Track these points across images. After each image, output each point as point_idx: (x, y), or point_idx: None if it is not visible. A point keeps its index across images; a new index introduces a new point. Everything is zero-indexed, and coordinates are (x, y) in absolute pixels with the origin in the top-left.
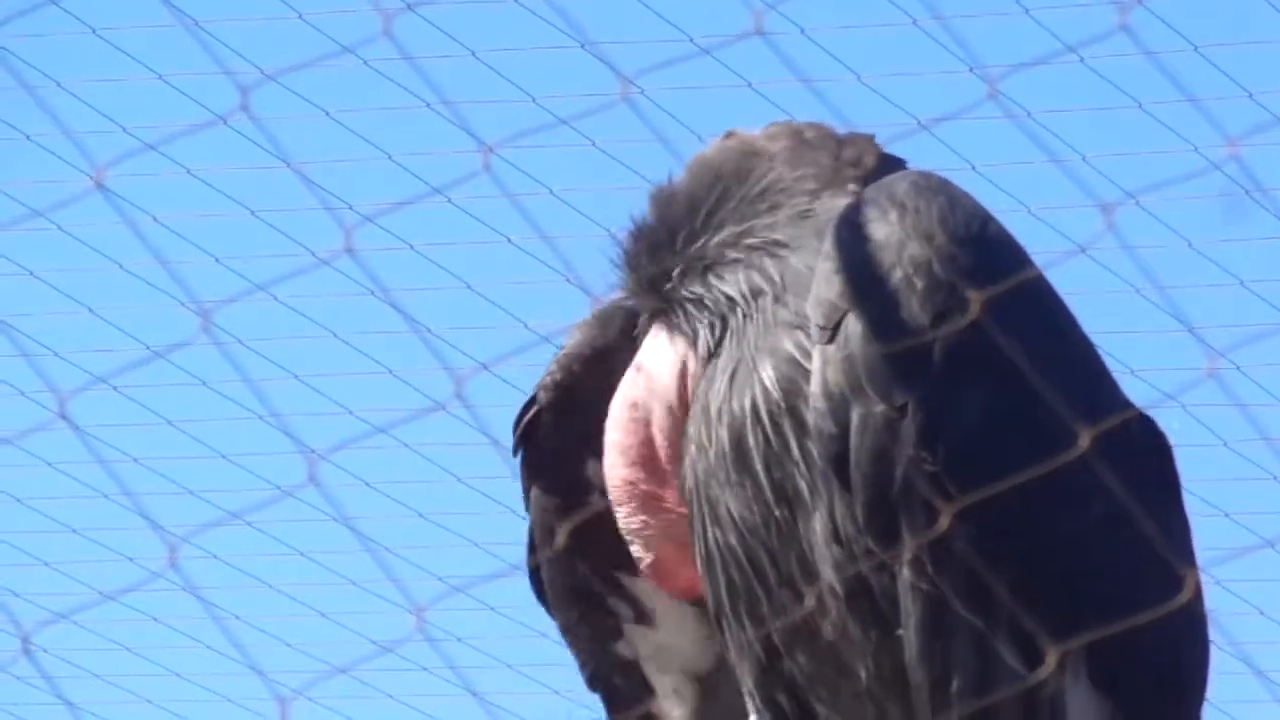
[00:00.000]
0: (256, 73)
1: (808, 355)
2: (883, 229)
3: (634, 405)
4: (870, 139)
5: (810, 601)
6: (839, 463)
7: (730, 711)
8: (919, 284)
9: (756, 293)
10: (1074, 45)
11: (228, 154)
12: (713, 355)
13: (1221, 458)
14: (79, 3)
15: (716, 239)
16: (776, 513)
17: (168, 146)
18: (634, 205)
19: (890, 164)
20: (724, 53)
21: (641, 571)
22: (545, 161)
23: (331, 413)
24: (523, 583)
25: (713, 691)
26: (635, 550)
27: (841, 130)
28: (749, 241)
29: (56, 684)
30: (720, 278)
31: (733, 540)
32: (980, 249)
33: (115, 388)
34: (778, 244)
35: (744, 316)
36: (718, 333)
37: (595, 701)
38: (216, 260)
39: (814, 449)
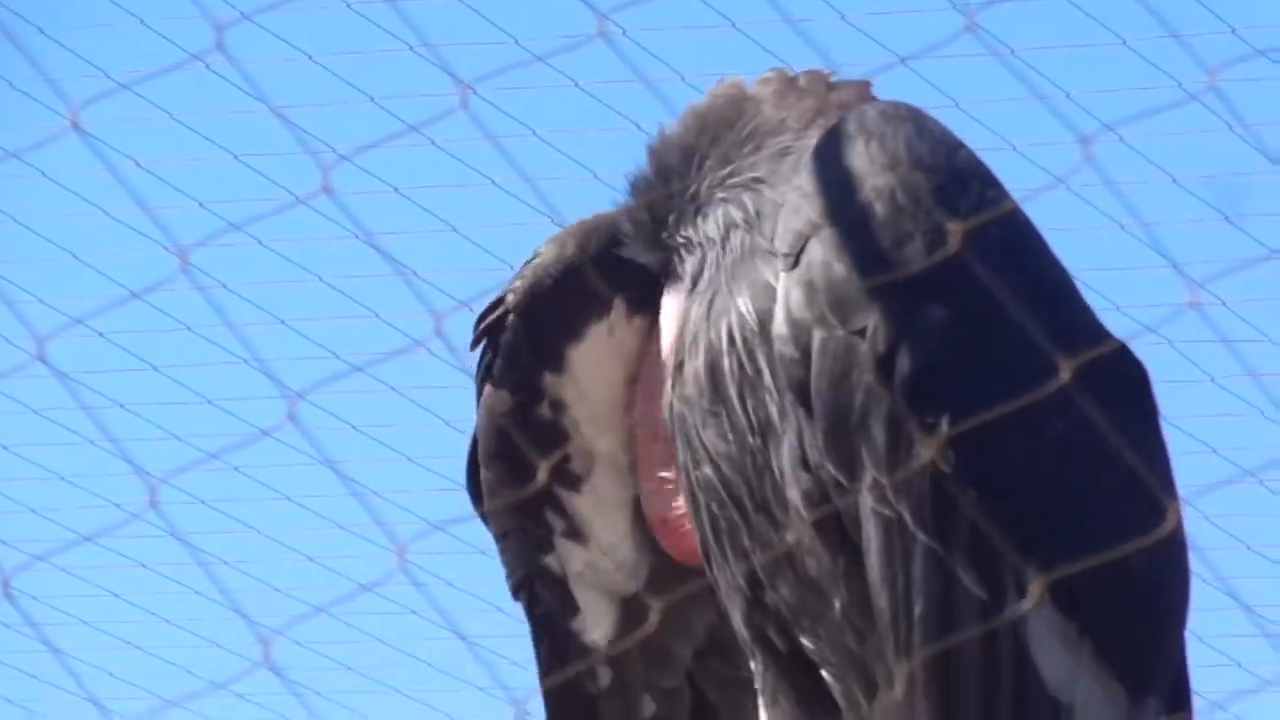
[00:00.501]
0: (233, 13)
1: None
2: (849, 156)
3: (654, 366)
4: (864, 84)
5: (790, 533)
6: (801, 388)
7: (650, 638)
8: (881, 210)
9: (732, 226)
10: None
11: (207, 97)
12: (694, 289)
13: (1206, 392)
14: None
15: (705, 182)
16: (751, 441)
17: (145, 88)
18: (617, 148)
19: None
20: None
21: (657, 533)
22: (528, 103)
23: (315, 355)
24: None
25: (634, 616)
26: (650, 506)
27: (835, 75)
28: (732, 181)
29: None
30: (705, 217)
31: (708, 471)
32: (947, 176)
33: (98, 332)
34: (757, 180)
35: (723, 249)
36: (699, 268)
37: (518, 609)
38: (200, 205)
39: (780, 374)
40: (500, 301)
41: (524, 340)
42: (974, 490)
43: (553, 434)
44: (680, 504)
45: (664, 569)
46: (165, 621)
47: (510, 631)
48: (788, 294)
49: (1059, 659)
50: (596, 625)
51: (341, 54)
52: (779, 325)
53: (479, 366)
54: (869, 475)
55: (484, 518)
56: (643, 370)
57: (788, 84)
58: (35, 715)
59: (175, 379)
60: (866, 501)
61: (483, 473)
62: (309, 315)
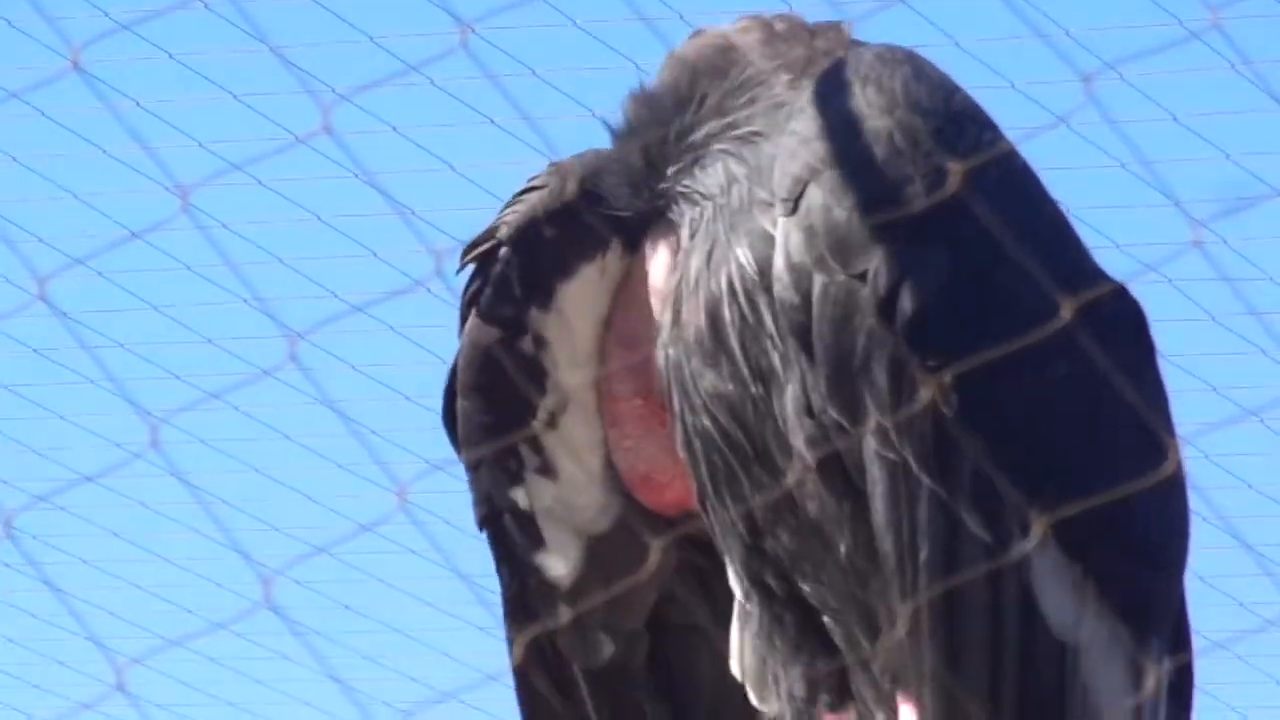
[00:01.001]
0: None
1: None
2: (845, 101)
3: (640, 320)
4: (839, 26)
5: (791, 477)
6: (803, 333)
7: (613, 578)
8: (879, 153)
9: (733, 180)
10: None
11: (207, 37)
12: (692, 239)
13: (1208, 331)
14: None
15: (702, 133)
16: (753, 390)
17: (145, 28)
18: (615, 87)
19: None
20: None
21: (633, 487)
22: (526, 42)
23: (314, 295)
24: None
25: (600, 555)
26: (625, 464)
27: (809, 20)
28: (732, 134)
29: (41, 569)
30: (704, 169)
31: (706, 420)
32: (944, 118)
33: (98, 271)
34: (755, 134)
35: (722, 201)
36: (698, 219)
37: (482, 539)
38: (200, 145)
39: (781, 321)
40: (492, 232)
41: (515, 273)
42: (977, 432)
43: (532, 370)
44: (658, 462)
45: (635, 510)
46: (166, 561)
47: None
48: (787, 239)
49: (1064, 600)
50: (561, 564)
51: None
52: (779, 271)
53: (464, 295)
54: (872, 419)
55: (456, 447)
56: (617, 321)
57: (769, 32)
58: (37, 655)
59: (175, 319)
60: (870, 446)
61: (460, 403)
62: (309, 255)
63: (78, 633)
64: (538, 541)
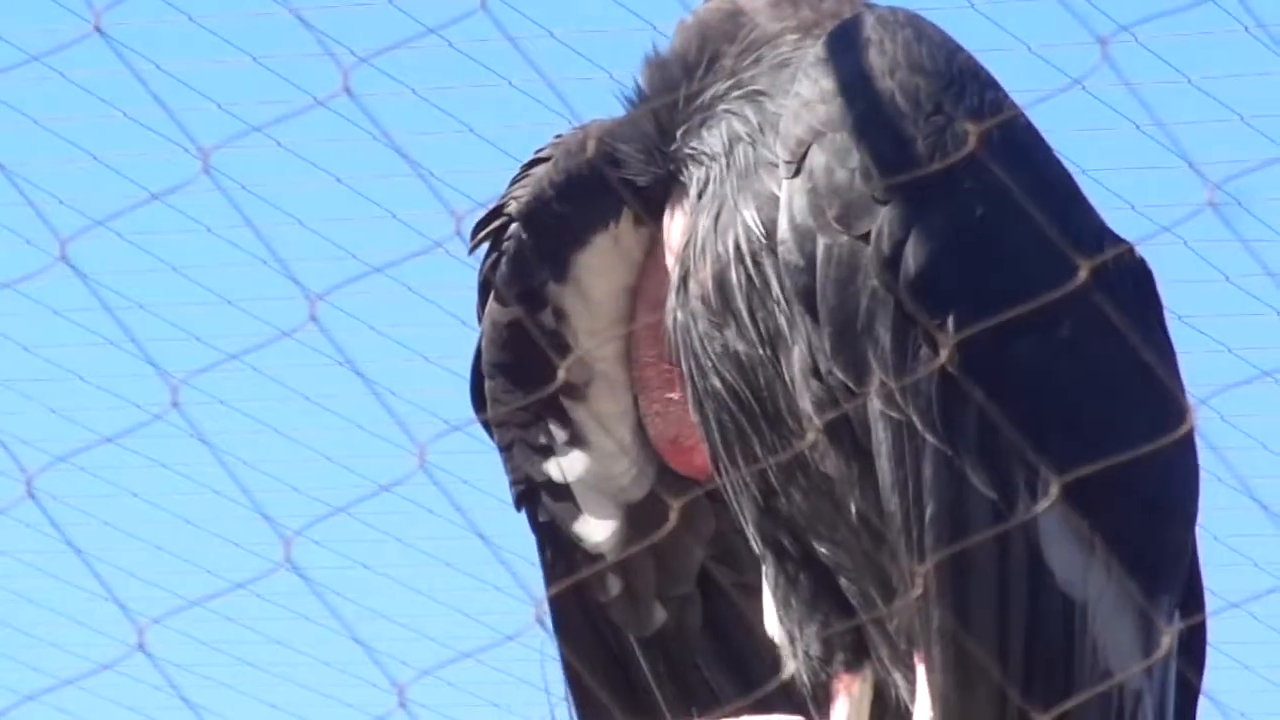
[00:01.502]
0: None
1: None
2: (848, 63)
3: (657, 286)
4: None
5: (809, 439)
6: (807, 294)
7: (660, 545)
8: (882, 114)
9: (736, 140)
10: None
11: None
12: (700, 201)
13: (1222, 292)
14: None
15: (709, 94)
16: (761, 352)
17: None
18: (634, 49)
19: None
20: None
21: (662, 451)
22: (545, 4)
23: (335, 256)
24: None
25: (639, 522)
26: (654, 429)
27: None
28: (736, 94)
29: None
30: (710, 130)
31: (716, 382)
32: (947, 79)
33: (118, 233)
34: (759, 93)
35: (728, 163)
36: (705, 180)
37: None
38: (219, 107)
39: (787, 282)
40: (501, 208)
41: (529, 247)
42: (982, 390)
43: (554, 343)
44: (686, 425)
45: (669, 475)
46: (186, 521)
47: (529, 532)
48: (791, 201)
49: (1071, 556)
50: (602, 533)
51: None
52: (783, 232)
53: (481, 273)
54: (876, 379)
55: (488, 428)
56: (645, 287)
57: None
58: (58, 615)
59: (196, 280)
60: (875, 405)
61: (486, 383)
62: (328, 216)
63: (98, 593)
64: (575, 513)
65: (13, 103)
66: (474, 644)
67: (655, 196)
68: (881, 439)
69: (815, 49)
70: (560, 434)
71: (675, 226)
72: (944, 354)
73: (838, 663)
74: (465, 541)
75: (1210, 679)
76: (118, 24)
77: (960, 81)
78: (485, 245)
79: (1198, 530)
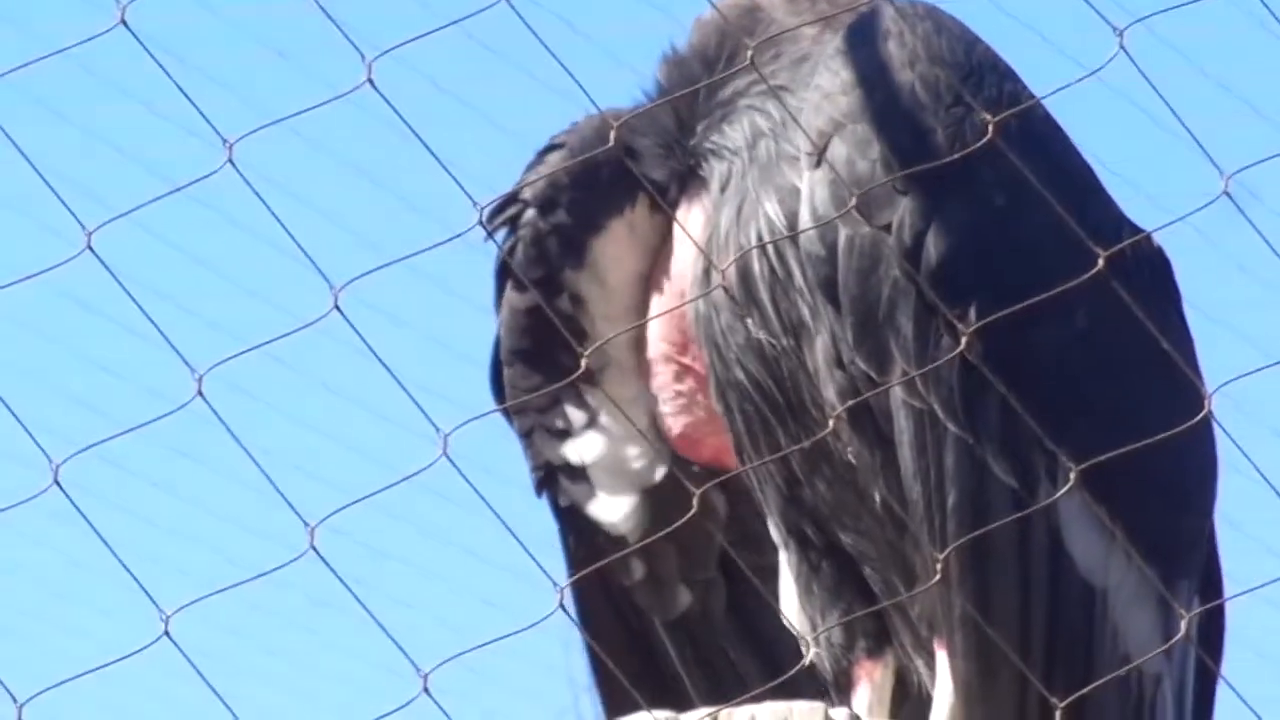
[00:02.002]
0: None
1: None
2: (867, 55)
3: (670, 275)
4: None
5: (831, 426)
6: (829, 285)
7: (682, 529)
8: (901, 106)
9: (759, 134)
10: None
11: None
12: (722, 195)
13: (1239, 281)
14: None
15: (730, 89)
16: (785, 342)
17: None
18: (655, 41)
19: None
20: None
21: (670, 441)
22: None
23: (357, 247)
24: None
25: (658, 506)
26: (665, 417)
27: None
28: (757, 88)
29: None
30: (731, 125)
31: (739, 374)
32: (966, 70)
33: (142, 224)
34: (780, 88)
35: (750, 157)
36: (727, 175)
37: (544, 504)
38: (242, 99)
39: (809, 273)
40: (517, 194)
41: (545, 233)
42: (1002, 378)
43: (572, 328)
44: (693, 416)
45: (681, 462)
46: (209, 511)
47: (551, 518)
48: (812, 192)
49: (1092, 543)
50: (620, 514)
51: None
52: (805, 223)
53: (498, 259)
54: (898, 368)
55: (508, 416)
56: (656, 277)
57: None
58: (83, 604)
59: (219, 270)
60: (897, 394)
61: (505, 371)
62: (351, 207)
63: (123, 581)
64: (593, 495)
65: (38, 95)
66: (497, 631)
67: (672, 188)
68: (903, 428)
69: (835, 41)
70: (578, 417)
71: (693, 220)
72: (964, 343)
73: (859, 650)
74: (488, 530)
75: (1228, 666)
76: (141, 17)
77: (979, 73)
78: (502, 232)
79: (1215, 518)
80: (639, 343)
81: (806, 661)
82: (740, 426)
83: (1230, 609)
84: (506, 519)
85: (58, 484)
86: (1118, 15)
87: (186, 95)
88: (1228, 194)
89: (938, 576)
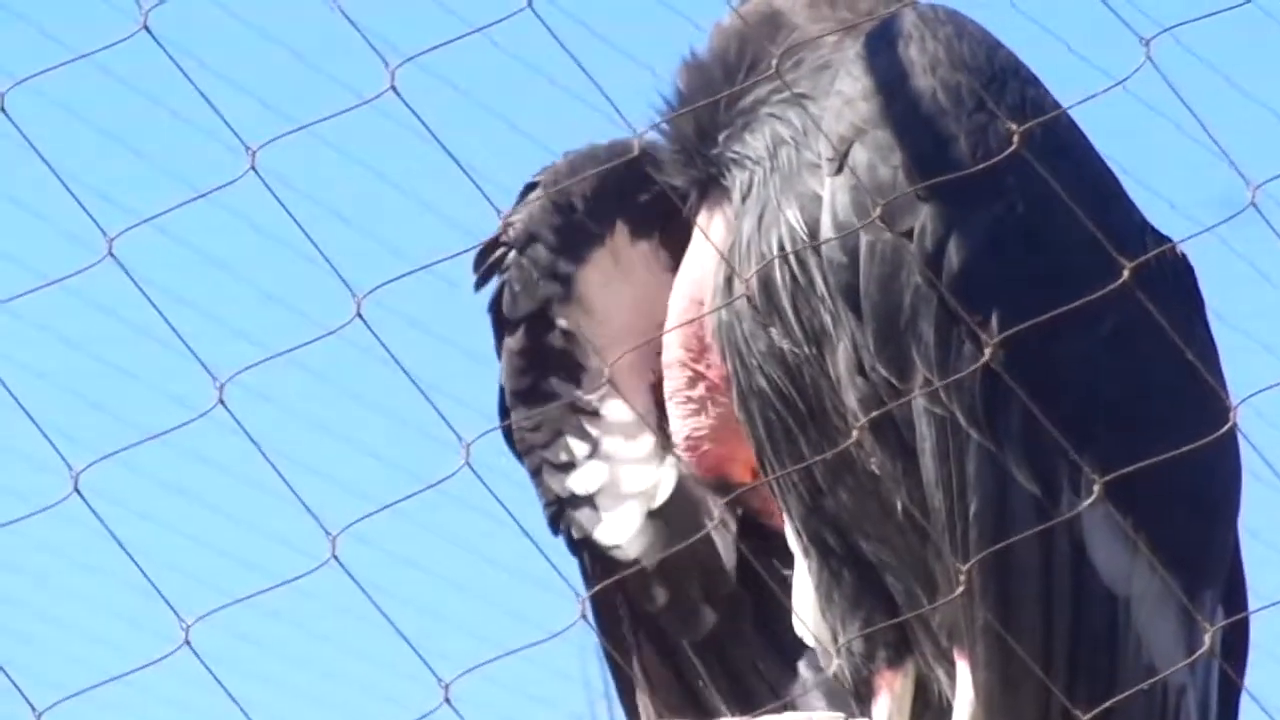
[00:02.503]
0: None
1: None
2: (889, 61)
3: (688, 284)
4: None
5: (852, 436)
6: (850, 291)
7: (698, 547)
8: (923, 112)
9: (780, 143)
10: None
11: None
12: (743, 204)
13: (1264, 292)
14: None
15: (751, 98)
16: (807, 350)
17: None
18: (674, 45)
19: None
20: None
21: (678, 448)
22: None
23: (379, 253)
24: None
25: (668, 527)
26: (674, 424)
27: None
28: (778, 98)
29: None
30: (753, 133)
31: (761, 381)
32: (988, 76)
33: (164, 230)
34: (802, 96)
35: (771, 165)
36: (749, 183)
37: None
38: (264, 105)
39: (830, 280)
40: (498, 239)
41: (530, 270)
42: (1025, 386)
43: (566, 361)
44: (700, 423)
45: (689, 480)
46: (230, 518)
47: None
48: (834, 198)
49: (1115, 552)
50: (629, 538)
51: None
52: (826, 230)
53: (490, 306)
54: (920, 375)
55: (519, 456)
56: (671, 291)
57: None
58: (103, 610)
59: (242, 276)
60: (919, 401)
61: (512, 414)
62: (373, 213)
63: (144, 589)
64: (602, 522)
65: (60, 100)
66: (518, 640)
67: (657, 211)
68: (925, 434)
69: (856, 47)
70: (580, 449)
71: (715, 229)
72: (988, 352)
73: (880, 659)
74: (510, 538)
75: (1252, 677)
76: (163, 22)
77: (1001, 78)
78: (491, 279)
79: (1239, 527)
80: (641, 366)
81: (830, 672)
82: (762, 435)
83: (1253, 619)
84: (528, 527)
85: (77, 491)
86: (1135, 18)
87: (209, 100)
88: (1254, 205)
89: (961, 588)
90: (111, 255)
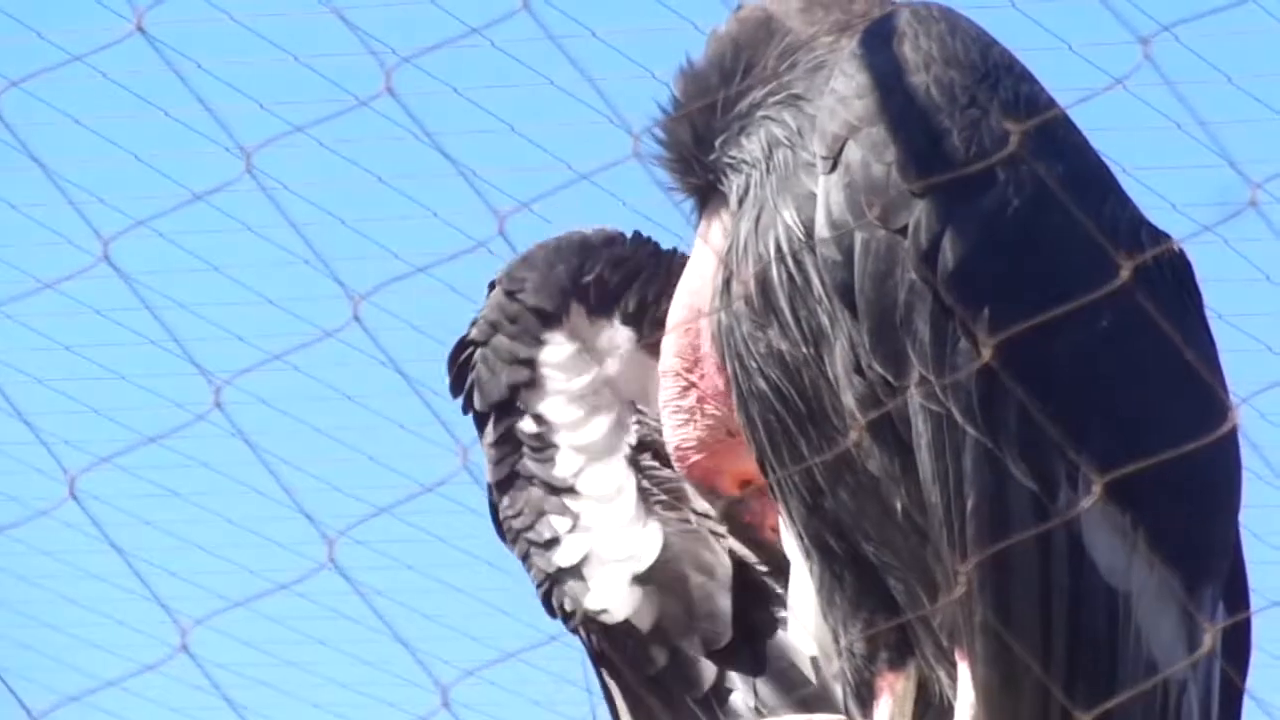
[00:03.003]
0: None
1: None
2: (882, 59)
3: (687, 293)
4: None
5: (852, 437)
6: (845, 289)
7: (684, 603)
8: (917, 108)
9: (776, 144)
10: None
11: None
12: (740, 207)
13: (1263, 291)
14: None
15: (747, 102)
16: (805, 351)
17: None
18: (675, 48)
19: None
20: None
21: (676, 462)
22: (586, 3)
23: (376, 256)
24: None
25: (656, 588)
26: (666, 434)
27: None
28: (773, 100)
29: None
30: (749, 137)
31: (761, 383)
32: (981, 73)
33: (160, 233)
34: (797, 97)
35: (767, 167)
36: (745, 186)
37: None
38: (261, 106)
39: (826, 278)
40: (465, 340)
41: (493, 363)
42: (1022, 382)
43: (539, 445)
44: (689, 433)
45: (675, 539)
46: (228, 522)
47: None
48: (828, 196)
49: (1113, 548)
50: (622, 605)
51: None
52: (821, 228)
53: (467, 408)
54: (916, 372)
55: (509, 546)
56: (676, 294)
57: (808, 0)
58: (101, 616)
59: (237, 280)
60: (915, 399)
61: (501, 511)
62: (370, 216)
63: (141, 594)
64: (590, 591)
65: (55, 102)
66: (517, 644)
67: (615, 293)
68: (921, 431)
69: (850, 46)
70: (562, 524)
71: (714, 234)
72: (985, 351)
73: (881, 661)
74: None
75: (1254, 677)
76: (159, 24)
77: (995, 75)
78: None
79: (1239, 524)
80: (619, 427)
81: (830, 674)
82: (763, 437)
83: (1254, 619)
84: None
85: (73, 496)
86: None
87: (204, 103)
88: (1254, 204)
89: (961, 589)
90: (107, 259)
